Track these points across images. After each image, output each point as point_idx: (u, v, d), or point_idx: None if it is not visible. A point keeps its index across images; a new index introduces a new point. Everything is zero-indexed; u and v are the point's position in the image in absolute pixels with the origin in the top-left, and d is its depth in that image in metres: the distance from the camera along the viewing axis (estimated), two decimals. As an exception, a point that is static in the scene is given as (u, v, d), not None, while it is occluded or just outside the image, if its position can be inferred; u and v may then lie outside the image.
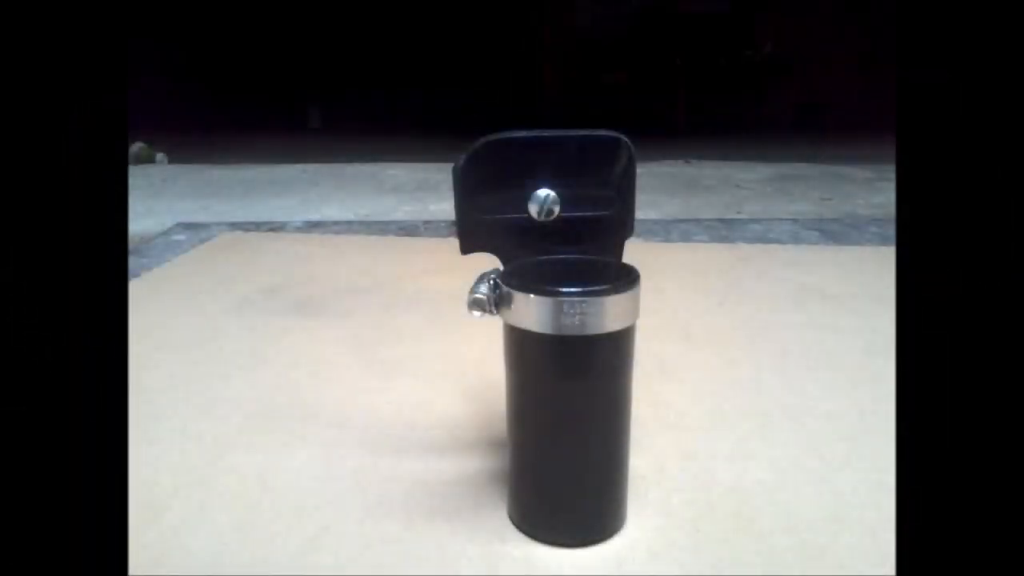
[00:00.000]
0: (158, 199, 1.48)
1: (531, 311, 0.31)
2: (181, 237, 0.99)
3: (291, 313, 0.67)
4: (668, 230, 1.04)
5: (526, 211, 0.34)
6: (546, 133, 0.33)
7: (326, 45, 4.47)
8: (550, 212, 0.34)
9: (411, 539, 0.35)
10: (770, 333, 0.61)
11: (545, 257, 0.34)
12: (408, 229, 1.05)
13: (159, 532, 0.35)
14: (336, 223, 1.12)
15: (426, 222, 1.11)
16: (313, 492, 0.38)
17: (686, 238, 1.00)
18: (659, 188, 1.62)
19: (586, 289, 0.30)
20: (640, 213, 0.37)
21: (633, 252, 0.35)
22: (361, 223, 1.15)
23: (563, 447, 0.33)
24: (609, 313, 0.30)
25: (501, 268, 0.34)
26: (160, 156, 2.17)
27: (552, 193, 0.33)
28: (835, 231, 1.02)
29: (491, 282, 0.32)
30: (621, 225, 0.35)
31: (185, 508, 0.37)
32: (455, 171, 0.33)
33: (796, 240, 0.97)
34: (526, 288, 0.31)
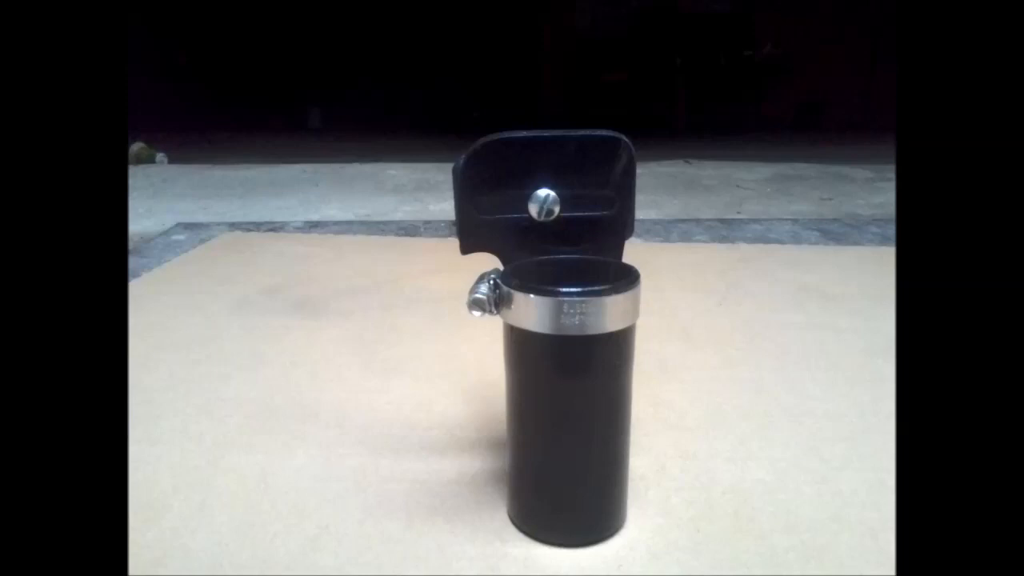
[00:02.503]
0: (158, 199, 1.48)
1: (531, 311, 0.31)
2: (181, 237, 0.99)
3: (291, 313, 0.67)
4: (668, 230, 1.04)
5: (526, 211, 0.34)
6: (546, 133, 0.33)
7: (326, 45, 4.47)
8: (550, 212, 0.34)
9: (411, 539, 0.35)
10: (770, 333, 0.61)
11: (545, 257, 0.34)
12: (408, 229, 1.05)
13: (159, 532, 0.35)
14: (336, 223, 1.12)
15: (426, 222, 1.11)
16: (313, 492, 0.38)
17: (686, 238, 1.00)
18: (659, 188, 1.62)
19: (586, 289, 0.30)
20: (640, 213, 0.37)
21: (633, 252, 0.35)
22: (361, 223, 1.15)
23: (563, 447, 0.33)
24: (609, 313, 0.30)
25: (501, 268, 0.34)
26: (160, 156, 2.17)
27: (552, 193, 0.33)
28: (835, 231, 1.02)
29: (491, 282, 0.32)
30: (621, 225, 0.35)
31: (185, 508, 0.37)
32: (455, 171, 0.33)
33: (796, 240, 0.97)
34: (526, 288, 0.31)
